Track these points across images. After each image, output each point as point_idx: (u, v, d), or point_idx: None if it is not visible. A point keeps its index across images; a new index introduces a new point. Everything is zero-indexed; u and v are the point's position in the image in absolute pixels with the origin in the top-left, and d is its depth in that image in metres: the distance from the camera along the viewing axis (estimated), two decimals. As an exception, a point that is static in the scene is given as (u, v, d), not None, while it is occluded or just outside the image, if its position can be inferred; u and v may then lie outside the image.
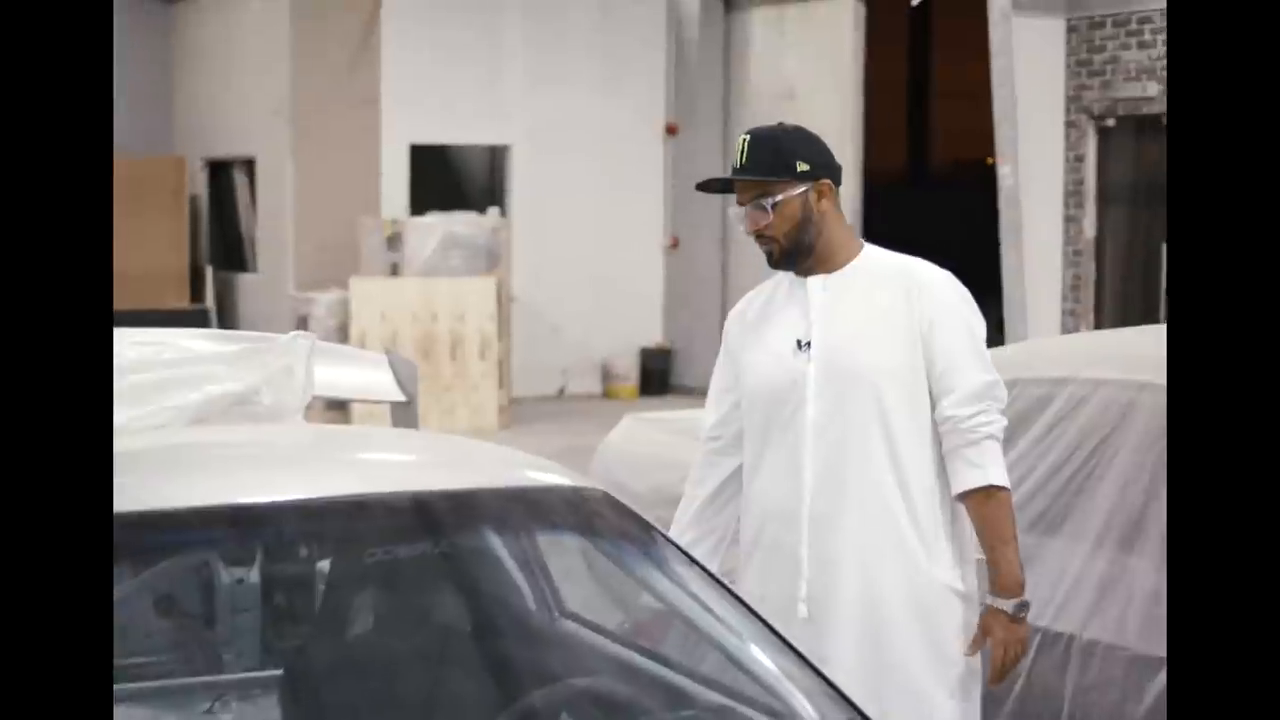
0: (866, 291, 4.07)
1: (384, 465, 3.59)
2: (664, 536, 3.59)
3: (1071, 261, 13.89)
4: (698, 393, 17.91)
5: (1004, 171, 13.10)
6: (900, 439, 4.01)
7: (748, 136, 4.07)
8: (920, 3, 14.49)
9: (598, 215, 17.66)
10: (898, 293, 4.05)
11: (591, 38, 17.65)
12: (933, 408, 4.03)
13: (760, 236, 4.07)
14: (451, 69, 17.01)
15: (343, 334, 15.21)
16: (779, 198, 4.03)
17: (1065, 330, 13.76)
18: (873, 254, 4.15)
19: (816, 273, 4.11)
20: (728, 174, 4.09)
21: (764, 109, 17.34)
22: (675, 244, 18.07)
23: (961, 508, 4.08)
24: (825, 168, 4.09)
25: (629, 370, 17.81)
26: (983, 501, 4.00)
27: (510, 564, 3.55)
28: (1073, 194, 13.99)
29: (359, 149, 16.75)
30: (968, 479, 4.00)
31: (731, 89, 17.86)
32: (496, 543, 3.54)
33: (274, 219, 17.11)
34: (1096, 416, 4.79)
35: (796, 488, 4.04)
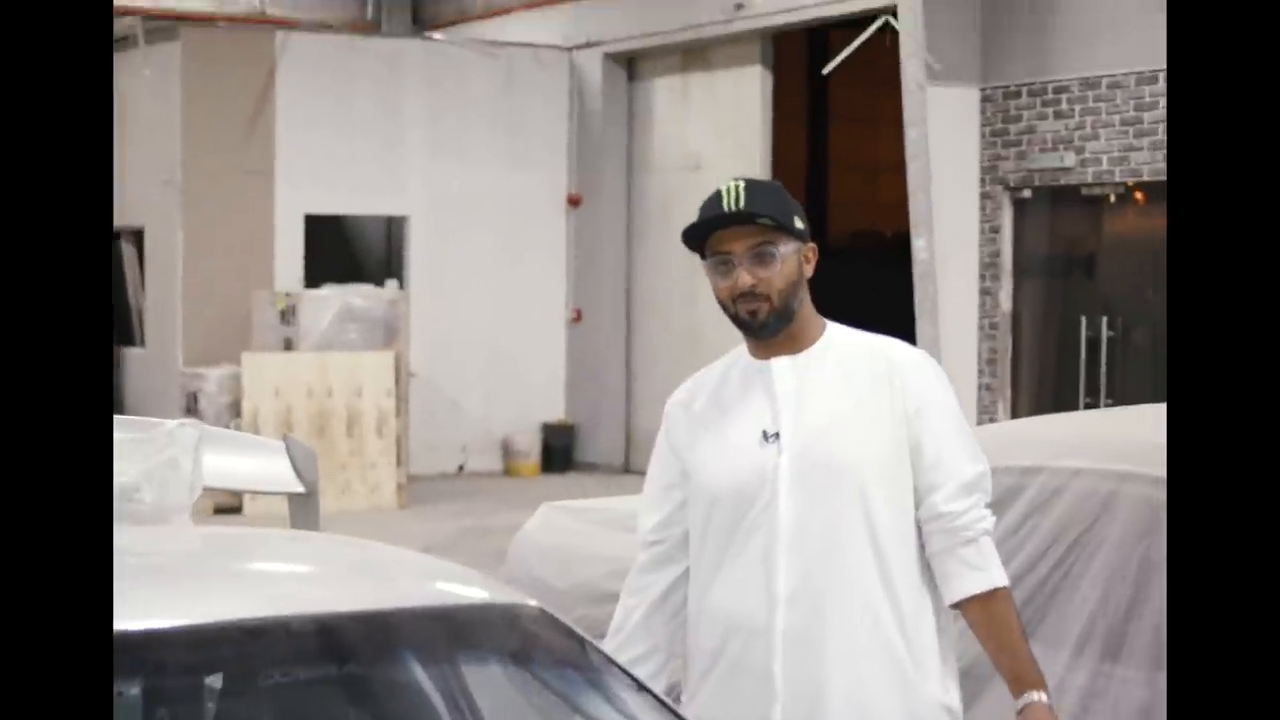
0: (840, 374, 3.61)
1: (285, 579, 3.08)
2: (609, 660, 3.10)
3: (988, 335, 13.57)
4: (601, 469, 17.65)
5: (919, 245, 12.79)
6: (885, 539, 3.55)
7: (740, 181, 3.59)
8: (829, 71, 14.19)
9: (499, 287, 17.28)
10: (876, 376, 3.60)
11: (493, 107, 17.33)
12: (916, 504, 3.59)
13: (748, 295, 3.55)
14: (348, 137, 16.65)
15: (234, 410, 14.73)
16: (783, 249, 3.57)
17: (982, 406, 13.43)
18: (838, 333, 3.70)
19: (781, 353, 3.64)
20: (721, 217, 3.54)
21: (669, 179, 17.05)
22: (579, 317, 17.68)
23: (946, 614, 3.64)
24: (808, 233, 3.66)
25: (530, 447, 17.40)
26: (987, 603, 3.58)
27: (434, 696, 3.04)
28: (989, 266, 13.69)
29: (252, 219, 16.32)
30: (969, 583, 3.57)
31: (635, 159, 17.54)
32: (418, 672, 3.02)
33: (163, 291, 16.58)
34: (1074, 509, 4.36)
35: (767, 598, 3.55)
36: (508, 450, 17.39)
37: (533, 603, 3.08)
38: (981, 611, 3.58)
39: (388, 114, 16.91)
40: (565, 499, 8.90)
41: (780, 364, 3.62)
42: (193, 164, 16.15)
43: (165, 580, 3.03)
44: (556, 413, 17.67)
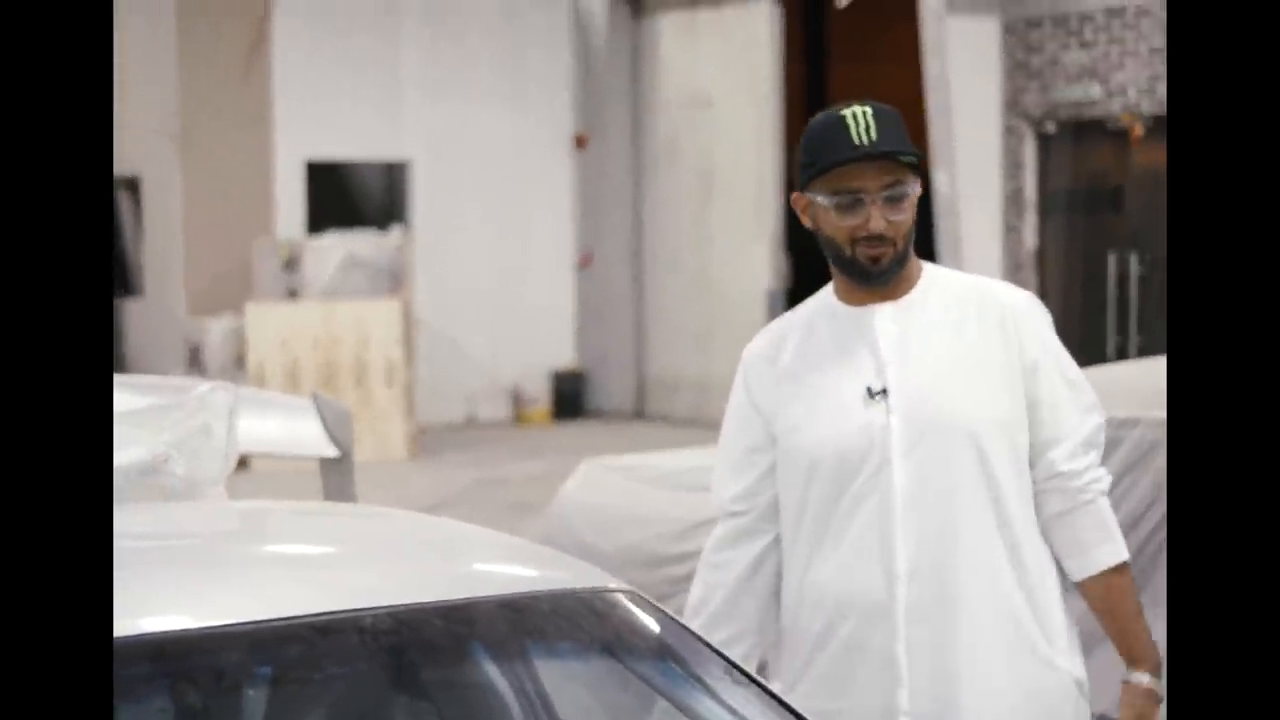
0: (947, 322, 3.27)
1: (342, 566, 2.76)
2: (710, 648, 2.78)
3: (1012, 274, 13.25)
4: (613, 416, 17.37)
5: (940, 179, 12.48)
6: (1008, 502, 3.25)
7: (867, 108, 3.23)
8: (846, 4, 13.84)
9: (505, 232, 16.97)
10: (987, 323, 3.27)
11: (493, 47, 16.97)
12: (1031, 462, 3.29)
13: (876, 239, 3.22)
14: (347, 82, 16.31)
15: (239, 363, 14.46)
16: (913, 189, 3.25)
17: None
18: (937, 274, 3.36)
19: (881, 299, 3.29)
20: (861, 152, 3.19)
21: (678, 117, 16.71)
22: (587, 260, 17.35)
23: (1065, 578, 3.35)
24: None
25: (540, 394, 17.10)
26: (1110, 577, 3.31)
27: (514, 695, 2.71)
28: (1012, 202, 13.37)
29: (251, 167, 15.99)
30: (1096, 558, 3.30)
31: (641, 98, 17.18)
32: (495, 669, 2.69)
33: (162, 241, 16.25)
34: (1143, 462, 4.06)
35: (884, 573, 3.23)
36: (517, 398, 17.08)
37: (623, 585, 2.76)
38: (1104, 586, 3.31)
39: (386, 57, 16.57)
40: (577, 448, 8.65)
41: (882, 312, 3.28)
42: (189, 112, 15.82)
43: (204, 569, 2.71)
44: (566, 359, 17.37)
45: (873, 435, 3.23)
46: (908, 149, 3.22)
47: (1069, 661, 3.31)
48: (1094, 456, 3.30)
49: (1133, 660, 3.34)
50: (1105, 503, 3.31)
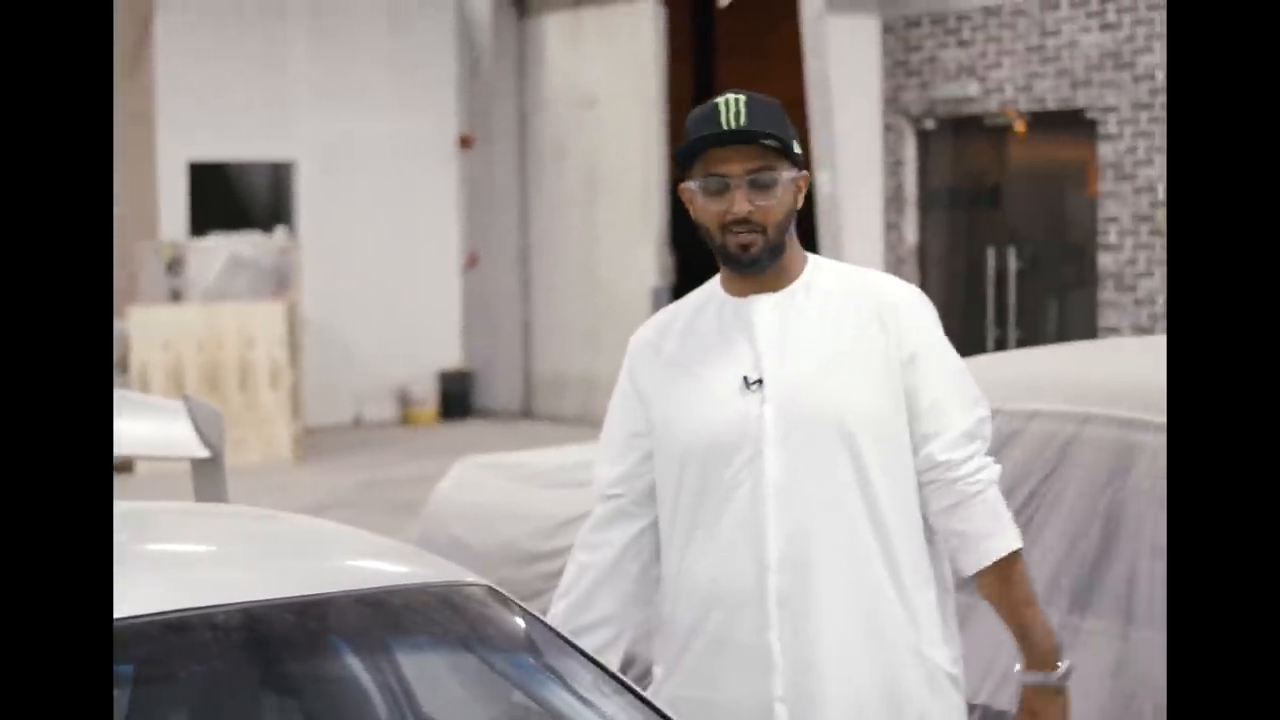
0: (827, 314, 3.29)
1: (204, 563, 2.78)
2: (566, 642, 2.82)
3: (893, 269, 13.35)
4: (501, 416, 17.35)
5: (822, 178, 12.58)
6: (882, 495, 3.25)
7: (741, 95, 3.25)
8: (728, 4, 13.91)
9: (391, 233, 16.90)
10: (866, 316, 3.28)
11: (379, 48, 16.91)
12: (913, 455, 3.29)
13: (742, 224, 3.22)
14: (231, 82, 16.19)
15: (122, 366, 14.28)
16: (784, 175, 3.25)
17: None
18: (823, 267, 3.37)
19: (762, 290, 3.31)
20: (721, 133, 3.20)
21: (564, 117, 16.72)
22: (473, 260, 17.33)
23: (946, 572, 3.37)
24: (803, 159, 3.34)
25: (427, 395, 17.05)
26: (1002, 569, 3.28)
27: (374, 689, 2.74)
28: (892, 199, 13.48)
29: (133, 168, 15.82)
30: (991, 547, 3.27)
31: (527, 98, 17.18)
32: (354, 664, 2.72)
33: (43, 244, 16.04)
34: (1033, 455, 4.12)
35: (756, 562, 3.24)
36: (404, 399, 17.03)
37: (480, 580, 2.79)
38: (995, 578, 3.29)
39: (272, 57, 16.46)
40: (465, 448, 8.64)
41: (762, 303, 3.30)
42: (70, 112, 15.64)
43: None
44: (453, 359, 17.33)
45: (746, 425, 3.24)
46: (774, 133, 3.21)
47: (939, 653, 3.30)
48: (976, 447, 3.27)
49: (1029, 657, 3.31)
50: (995, 493, 3.28)
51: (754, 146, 3.22)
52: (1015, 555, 3.29)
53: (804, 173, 3.32)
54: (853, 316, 3.28)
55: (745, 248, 3.24)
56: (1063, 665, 3.31)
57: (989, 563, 3.26)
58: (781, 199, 3.25)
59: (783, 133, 3.25)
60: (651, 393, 3.36)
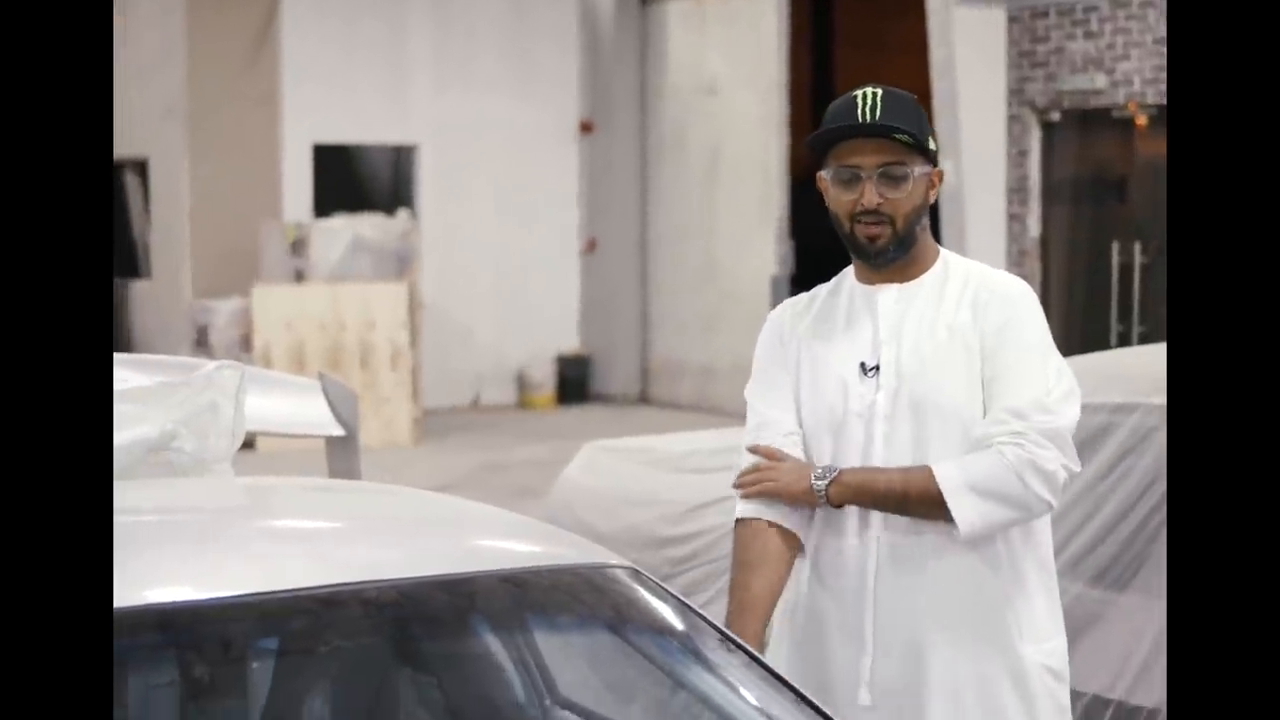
0: (937, 305, 3.34)
1: (348, 540, 2.80)
2: (708, 623, 2.82)
3: (1016, 262, 13.25)
4: (617, 401, 17.38)
5: (945, 168, 12.48)
6: None
7: (877, 90, 3.29)
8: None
9: (510, 217, 16.97)
10: (965, 306, 3.31)
11: (501, 33, 16.98)
12: None
13: (871, 215, 3.28)
14: (355, 65, 16.31)
15: (245, 345, 14.44)
16: (915, 170, 3.29)
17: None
18: (950, 261, 3.41)
19: (890, 280, 3.37)
20: (856, 126, 3.25)
21: (684, 105, 16.71)
22: (592, 246, 17.36)
23: (1050, 565, 3.37)
24: (938, 155, 3.38)
25: (545, 379, 17.11)
26: (929, 499, 3.22)
27: (516, 669, 2.75)
28: (1016, 191, 13.36)
29: (259, 149, 15.98)
30: (943, 468, 3.23)
31: (648, 84, 17.18)
32: (497, 643, 2.73)
33: (169, 223, 16.26)
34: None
35: (859, 544, 3.30)
36: (522, 382, 17.10)
37: (624, 562, 2.80)
38: (915, 499, 3.24)
39: (394, 41, 16.57)
40: (582, 433, 8.65)
41: (887, 293, 3.37)
42: (197, 93, 15.81)
43: (211, 543, 2.75)
44: (571, 344, 17.38)
45: (860, 409, 3.31)
46: (909, 128, 3.26)
47: (1043, 652, 3.30)
48: (1018, 425, 3.19)
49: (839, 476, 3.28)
50: (998, 458, 3.18)
51: (886, 140, 3.28)
52: (943, 505, 3.20)
53: (938, 168, 3.36)
54: (957, 308, 3.31)
55: (873, 239, 3.30)
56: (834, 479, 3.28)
57: (933, 489, 3.20)
58: (912, 193, 3.30)
59: (916, 128, 3.29)
60: (791, 359, 3.43)
